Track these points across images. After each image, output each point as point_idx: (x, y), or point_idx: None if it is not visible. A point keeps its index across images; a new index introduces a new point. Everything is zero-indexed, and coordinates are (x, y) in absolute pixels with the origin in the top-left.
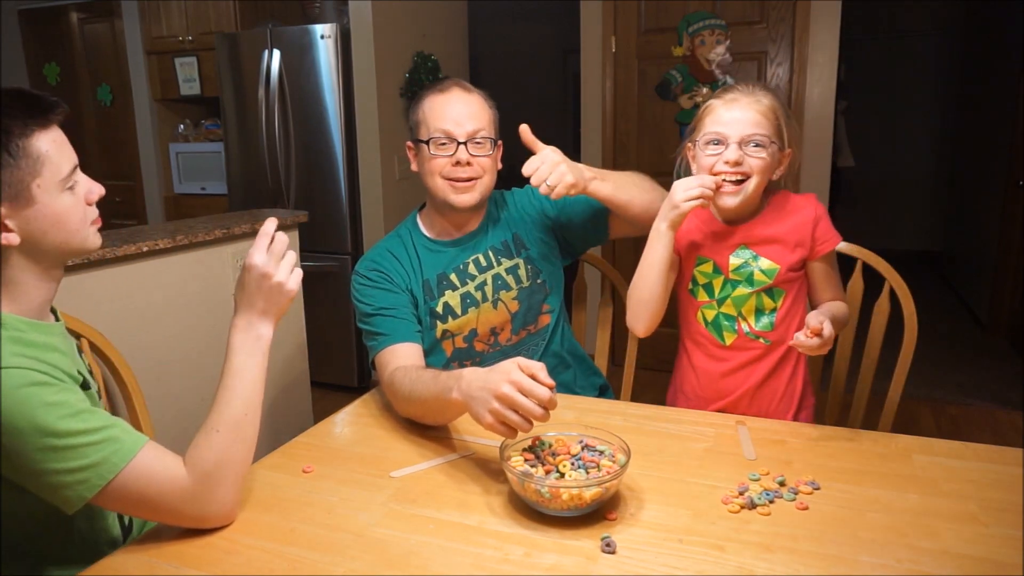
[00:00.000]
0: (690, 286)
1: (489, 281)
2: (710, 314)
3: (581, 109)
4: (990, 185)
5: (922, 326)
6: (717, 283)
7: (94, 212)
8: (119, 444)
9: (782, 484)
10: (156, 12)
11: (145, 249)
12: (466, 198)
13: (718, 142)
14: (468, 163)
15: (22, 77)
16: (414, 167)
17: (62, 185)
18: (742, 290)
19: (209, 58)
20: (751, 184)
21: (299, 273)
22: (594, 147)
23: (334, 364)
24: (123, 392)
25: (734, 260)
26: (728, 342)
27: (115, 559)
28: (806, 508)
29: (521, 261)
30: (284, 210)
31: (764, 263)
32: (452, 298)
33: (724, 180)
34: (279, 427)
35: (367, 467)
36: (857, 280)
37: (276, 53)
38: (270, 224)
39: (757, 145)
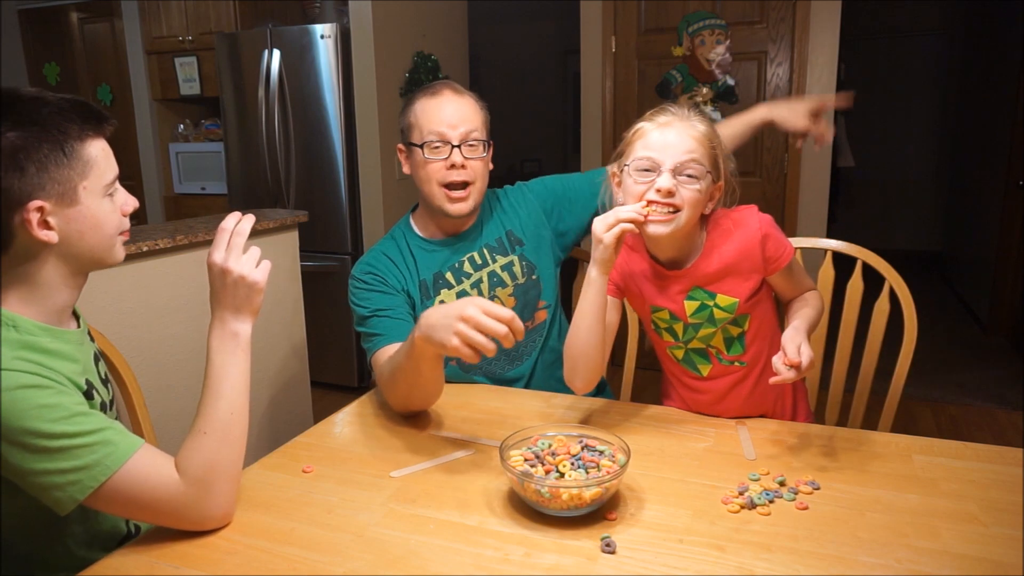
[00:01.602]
0: (652, 327)
1: (485, 278)
2: (679, 353)
3: (581, 109)
4: (990, 185)
5: (922, 326)
6: (678, 327)
7: (126, 224)
8: (112, 447)
9: (782, 484)
10: (156, 12)
11: (145, 249)
12: (461, 207)
13: (649, 169)
14: (463, 166)
15: (22, 77)
16: (406, 170)
17: (104, 191)
18: (706, 330)
19: (209, 58)
20: (683, 217)
21: (266, 265)
22: (594, 147)
23: (334, 364)
24: (123, 391)
25: (689, 304)
26: (705, 373)
27: (115, 559)
28: (806, 508)
29: (516, 258)
30: (284, 210)
31: (722, 300)
32: (448, 296)
33: (655, 209)
34: (279, 427)
35: (367, 467)
36: (857, 280)
37: (276, 53)
38: (229, 221)
39: (691, 176)
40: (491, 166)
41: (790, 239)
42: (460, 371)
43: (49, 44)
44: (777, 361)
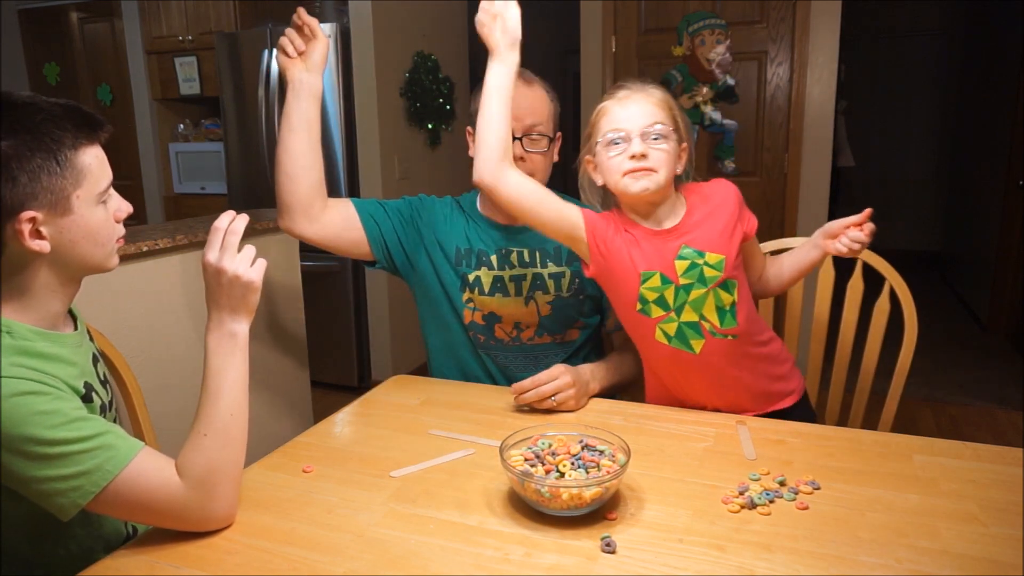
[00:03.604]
0: (638, 306)
1: (529, 277)
2: (671, 328)
3: (581, 109)
4: (990, 185)
5: (922, 326)
6: (669, 293)
7: (121, 230)
8: (113, 451)
9: (782, 484)
10: (156, 12)
11: (145, 249)
12: None
13: (618, 141)
14: (521, 158)
15: (22, 77)
16: (471, 152)
17: (98, 199)
18: (697, 291)
19: (209, 58)
20: (660, 175)
21: (261, 264)
22: None
23: (334, 364)
24: (122, 391)
25: (680, 263)
26: (698, 350)
27: (115, 559)
28: (806, 508)
29: (569, 272)
30: None
31: (711, 257)
32: (485, 275)
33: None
34: (279, 427)
35: (367, 467)
36: (857, 280)
37: (276, 53)
38: (222, 220)
39: (658, 137)
40: (556, 158)
41: (789, 239)
42: (477, 368)
43: (49, 44)
44: (838, 242)
